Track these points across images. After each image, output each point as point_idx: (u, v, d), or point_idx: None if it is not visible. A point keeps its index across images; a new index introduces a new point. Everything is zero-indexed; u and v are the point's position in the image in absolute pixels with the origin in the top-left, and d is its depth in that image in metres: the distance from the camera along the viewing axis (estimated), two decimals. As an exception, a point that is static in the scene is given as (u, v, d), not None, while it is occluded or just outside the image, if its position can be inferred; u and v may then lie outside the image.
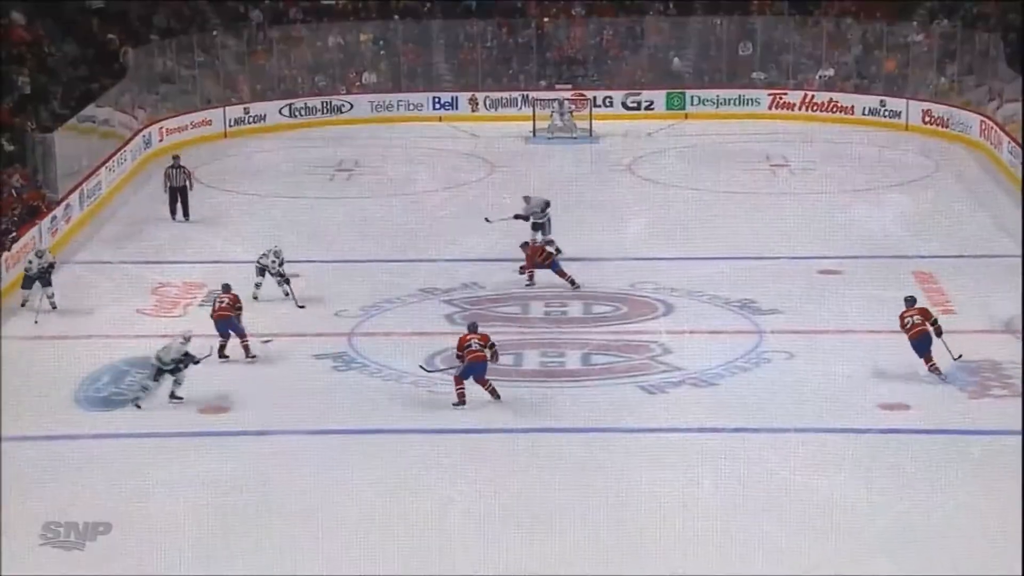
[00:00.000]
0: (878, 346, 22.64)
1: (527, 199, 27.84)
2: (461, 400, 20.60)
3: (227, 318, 22.39)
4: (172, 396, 20.84)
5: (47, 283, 24.68)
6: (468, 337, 20.68)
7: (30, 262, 24.69)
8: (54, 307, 24.72)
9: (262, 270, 25.02)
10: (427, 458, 19.15)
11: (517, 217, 27.51)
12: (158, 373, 20.75)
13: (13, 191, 28.53)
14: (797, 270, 26.74)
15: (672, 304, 25.04)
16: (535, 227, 27.28)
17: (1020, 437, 19.16)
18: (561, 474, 18.58)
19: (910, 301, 21.18)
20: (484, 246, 28.29)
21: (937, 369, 20.66)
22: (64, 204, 29.60)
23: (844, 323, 23.83)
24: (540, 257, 25.72)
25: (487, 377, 20.68)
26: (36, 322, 24.22)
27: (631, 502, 17.76)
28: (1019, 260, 25.67)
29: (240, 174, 35.41)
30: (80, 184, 30.83)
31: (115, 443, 19.76)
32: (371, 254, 28.31)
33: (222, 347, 22.42)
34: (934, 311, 21.57)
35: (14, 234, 26.63)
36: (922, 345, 20.66)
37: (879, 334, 23.10)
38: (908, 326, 20.74)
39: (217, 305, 22.55)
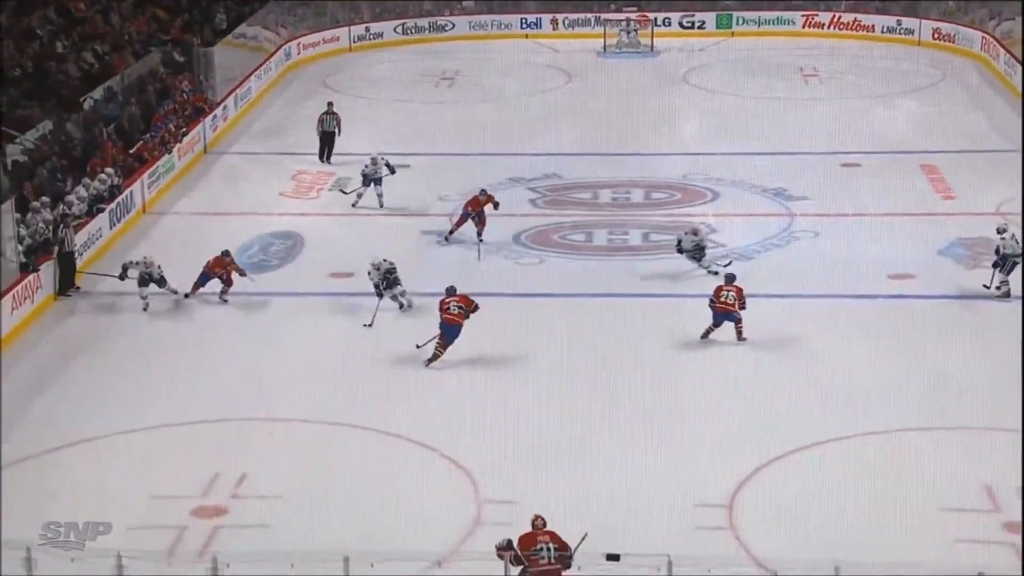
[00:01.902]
0: (890, 226, 22.33)
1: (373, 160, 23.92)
2: (434, 358, 17.31)
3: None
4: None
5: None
6: (447, 300, 17.52)
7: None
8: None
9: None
10: (515, 316, 19.20)
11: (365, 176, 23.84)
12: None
13: (183, 94, 28.65)
14: (823, 163, 26.27)
15: (718, 191, 24.75)
16: (367, 182, 23.62)
17: (1001, 302, 18.97)
18: (636, 330, 18.51)
19: (730, 278, 18.36)
20: (563, 143, 28.02)
21: (741, 333, 17.77)
22: (222, 105, 29.67)
23: (861, 207, 23.47)
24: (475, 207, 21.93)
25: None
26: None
27: (682, 357, 17.78)
28: (1012, 154, 25.23)
29: (362, 82, 35.16)
30: (234, 89, 30.85)
31: (262, 299, 20.03)
32: (468, 148, 28.15)
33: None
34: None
35: (184, 129, 26.89)
36: (724, 318, 17.78)
37: (890, 216, 22.77)
38: (721, 299, 17.81)
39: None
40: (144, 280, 19.59)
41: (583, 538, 11.62)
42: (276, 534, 13.38)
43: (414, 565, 12.03)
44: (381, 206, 23.66)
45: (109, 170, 23.22)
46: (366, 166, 23.88)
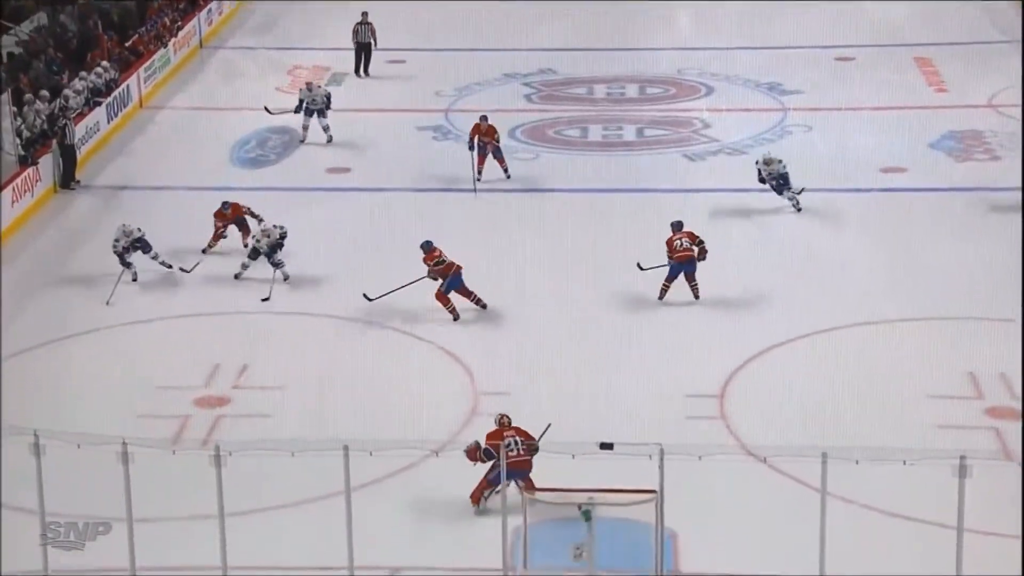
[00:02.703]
0: (882, 120, 22.17)
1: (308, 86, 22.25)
2: (453, 315, 15.86)
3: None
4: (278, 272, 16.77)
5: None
6: (436, 253, 15.93)
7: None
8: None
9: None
10: (503, 211, 19.13)
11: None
12: (254, 254, 16.86)
13: (178, -12, 28.18)
14: (817, 57, 25.97)
15: (712, 86, 24.52)
16: (308, 112, 21.58)
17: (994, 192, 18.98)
18: (629, 223, 18.50)
19: (677, 226, 16.36)
20: (558, 38, 27.65)
21: (697, 291, 16.15)
22: None
23: (854, 101, 23.26)
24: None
25: (468, 289, 15.98)
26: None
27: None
28: (1006, 45, 24.99)
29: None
30: (229, -18, 30.37)
31: (261, 195, 19.93)
32: (462, 44, 27.79)
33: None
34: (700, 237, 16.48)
35: (179, 23, 26.49)
36: (687, 267, 16.06)
37: (883, 110, 22.61)
38: (676, 248, 16.04)
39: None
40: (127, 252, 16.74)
41: (547, 428, 11.95)
42: (277, 424, 13.51)
43: (412, 454, 12.16)
44: (330, 140, 21.38)
45: (105, 63, 22.95)
46: (301, 91, 21.86)
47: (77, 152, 20.46)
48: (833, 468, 10.22)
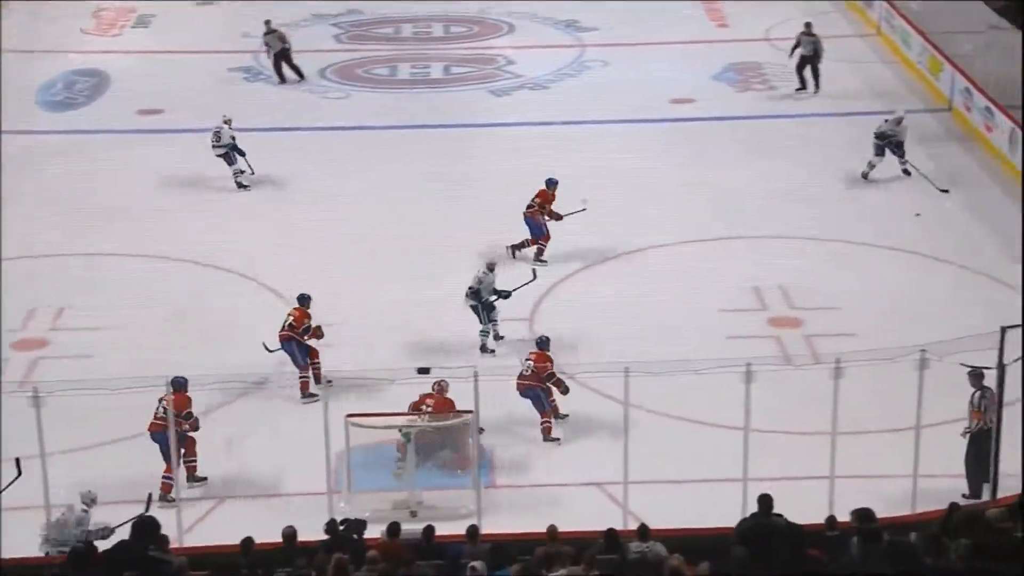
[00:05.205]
0: (673, 54, 22.57)
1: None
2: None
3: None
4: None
5: None
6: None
7: None
8: None
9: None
10: (323, 149, 18.82)
11: None
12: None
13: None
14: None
15: (514, 25, 24.53)
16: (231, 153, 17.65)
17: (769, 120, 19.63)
18: (438, 159, 18.43)
19: (302, 300, 13.17)
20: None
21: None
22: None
23: (649, 36, 23.52)
24: None
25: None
26: None
27: (491, 180, 17.68)
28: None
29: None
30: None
31: (73, 137, 19.09)
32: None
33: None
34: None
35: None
36: (283, 347, 12.97)
37: (671, 44, 23.03)
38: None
39: None
40: None
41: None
42: (97, 364, 13.06)
43: (234, 387, 11.96)
44: (252, 173, 17.72)
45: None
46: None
47: None
48: (634, 381, 10.50)
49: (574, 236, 15.88)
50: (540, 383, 12.11)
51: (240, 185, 17.38)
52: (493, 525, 10.25)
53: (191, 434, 11.38)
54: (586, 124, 19.88)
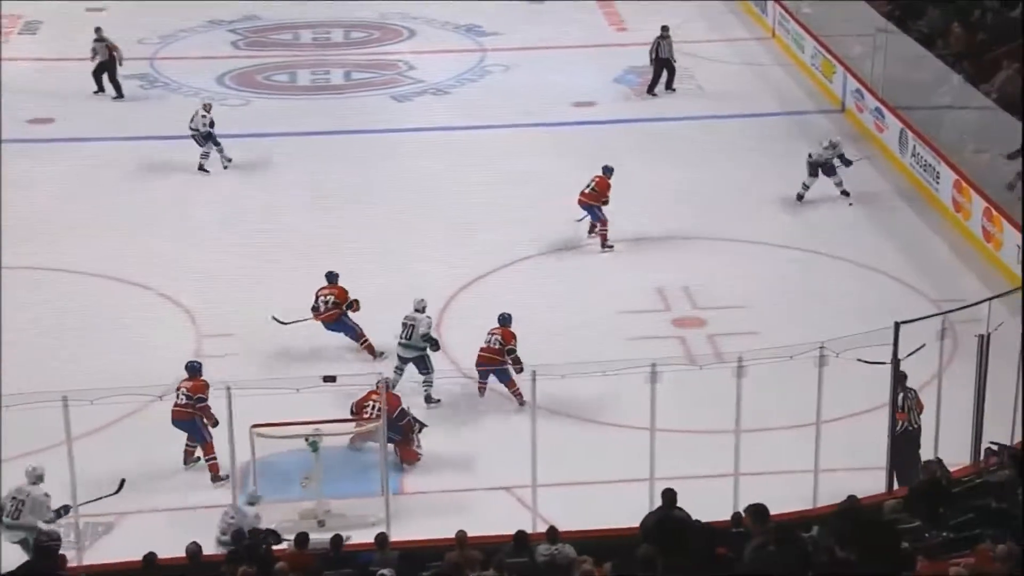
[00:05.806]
0: (572, 58, 22.68)
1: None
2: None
3: None
4: None
5: None
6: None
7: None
8: None
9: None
10: (215, 158, 18.51)
11: None
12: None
13: None
14: (510, 3, 26.03)
15: (415, 30, 24.45)
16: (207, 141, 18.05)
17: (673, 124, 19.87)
18: (343, 165, 18.38)
19: (332, 277, 13.77)
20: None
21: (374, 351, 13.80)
22: None
23: (549, 41, 23.61)
24: None
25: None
26: None
27: (406, 183, 17.70)
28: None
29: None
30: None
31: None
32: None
33: None
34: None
35: None
36: (334, 327, 13.68)
37: (572, 48, 23.17)
38: (321, 307, 13.57)
39: None
40: None
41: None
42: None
43: (135, 400, 11.70)
44: (230, 160, 18.16)
45: None
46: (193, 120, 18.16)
47: None
48: (541, 384, 10.52)
49: (480, 240, 15.92)
50: (502, 357, 12.46)
51: (201, 168, 17.84)
52: (402, 532, 10.19)
53: (212, 429, 11.50)
54: (488, 128, 19.90)
